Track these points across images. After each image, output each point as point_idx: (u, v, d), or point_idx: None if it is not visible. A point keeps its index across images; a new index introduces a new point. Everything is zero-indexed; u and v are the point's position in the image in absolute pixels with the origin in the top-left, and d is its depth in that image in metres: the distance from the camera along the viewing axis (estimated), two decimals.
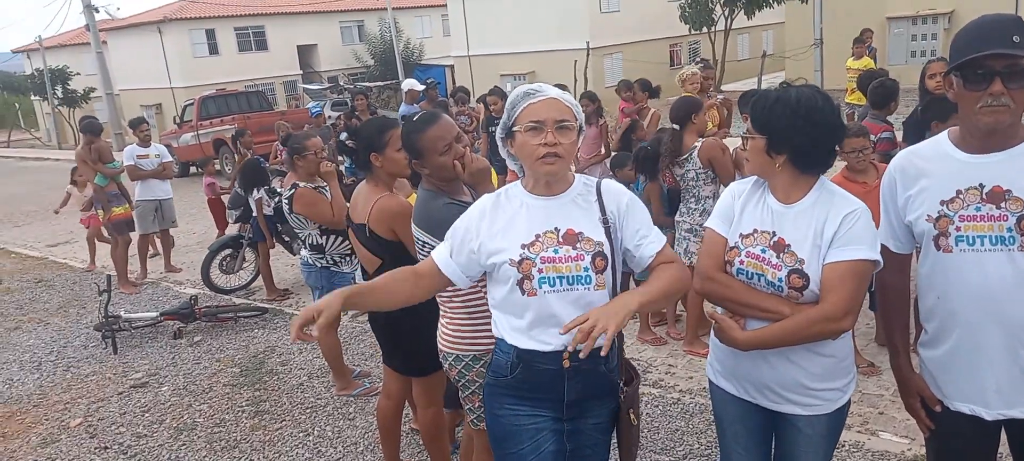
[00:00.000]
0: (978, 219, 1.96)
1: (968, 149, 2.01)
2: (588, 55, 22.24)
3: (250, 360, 5.60)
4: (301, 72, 36.34)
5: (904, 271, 2.24)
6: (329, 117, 20.08)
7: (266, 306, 6.86)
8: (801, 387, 2.15)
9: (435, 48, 36.06)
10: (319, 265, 4.62)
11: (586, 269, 2.06)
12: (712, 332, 2.31)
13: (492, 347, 2.53)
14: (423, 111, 2.96)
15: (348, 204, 3.80)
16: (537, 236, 2.08)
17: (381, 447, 3.71)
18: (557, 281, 2.04)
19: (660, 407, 4.23)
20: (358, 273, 5.16)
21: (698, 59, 12.01)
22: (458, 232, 2.18)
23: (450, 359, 2.67)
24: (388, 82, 27.44)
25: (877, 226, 2.23)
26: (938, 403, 2.15)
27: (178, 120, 19.07)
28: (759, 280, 2.11)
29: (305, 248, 4.70)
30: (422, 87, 10.82)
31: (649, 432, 3.96)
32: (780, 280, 2.07)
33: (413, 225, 2.70)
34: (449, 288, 2.58)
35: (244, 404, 4.83)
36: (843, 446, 3.63)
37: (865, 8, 19.38)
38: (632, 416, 2.27)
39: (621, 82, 8.85)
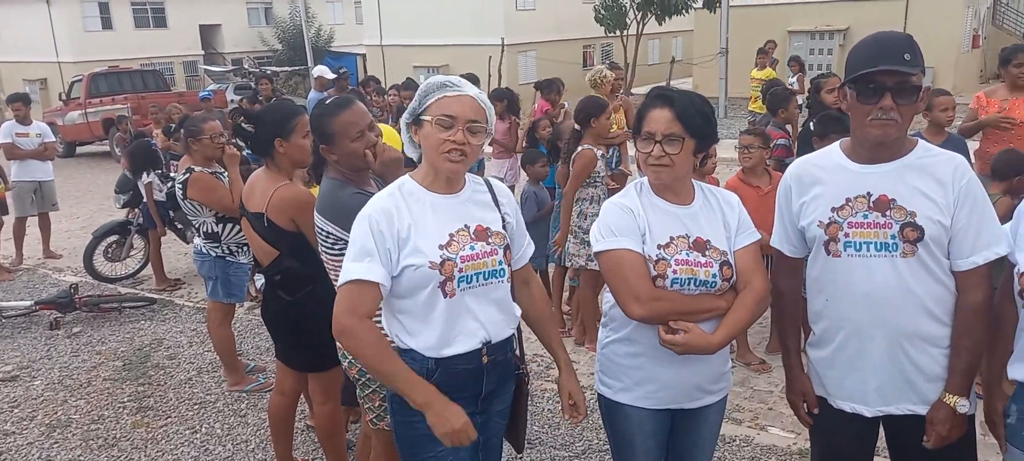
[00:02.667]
0: (865, 226, 2.04)
1: (858, 159, 2.08)
2: (503, 51, 22.22)
3: (134, 353, 5.27)
4: (203, 53, 34.72)
5: (797, 275, 2.31)
6: (231, 101, 19.26)
7: (154, 297, 6.49)
8: (721, 375, 2.27)
9: (347, 36, 35.15)
10: (214, 254, 4.39)
11: (500, 262, 2.09)
12: (603, 356, 2.30)
13: (396, 346, 2.45)
14: (335, 96, 2.85)
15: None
16: (451, 235, 2.03)
17: (273, 445, 3.55)
18: (475, 278, 2.03)
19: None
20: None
21: (608, 62, 12.19)
22: (371, 238, 1.99)
23: (351, 357, 2.57)
24: (296, 68, 26.58)
25: (770, 230, 2.30)
26: (816, 406, 2.26)
27: (65, 97, 17.87)
28: (689, 284, 2.10)
29: (199, 236, 4.46)
30: (333, 75, 10.52)
31: (549, 428, 3.97)
32: (714, 276, 2.10)
33: (317, 215, 2.58)
34: None
35: (126, 400, 4.54)
36: (735, 440, 3.75)
37: (769, 21, 20.29)
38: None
39: (544, 81, 8.83)
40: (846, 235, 2.06)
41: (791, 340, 2.35)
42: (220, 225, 4.36)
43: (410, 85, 8.87)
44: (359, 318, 1.97)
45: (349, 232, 2.38)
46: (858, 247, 2.05)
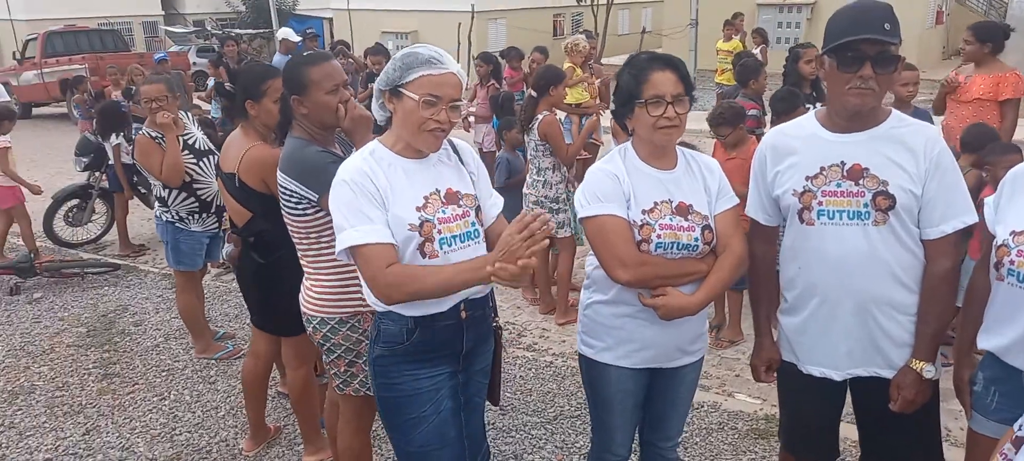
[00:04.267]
0: (838, 195, 2.07)
1: (833, 128, 2.11)
2: (473, 18, 21.95)
3: (98, 320, 5.17)
4: (163, 13, 33.69)
5: (771, 243, 2.35)
6: (194, 64, 18.74)
7: (118, 262, 6.37)
8: (698, 336, 2.33)
9: None
10: (165, 219, 4.30)
11: (473, 224, 2.13)
12: (586, 317, 2.32)
13: (360, 310, 2.45)
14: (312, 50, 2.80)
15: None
16: (426, 198, 2.06)
17: (246, 409, 3.53)
18: (453, 240, 2.06)
19: (533, 370, 4.29)
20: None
21: (583, 30, 12.13)
22: (358, 201, 1.97)
23: (314, 322, 2.55)
24: (260, 31, 25.96)
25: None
26: (775, 372, 2.36)
27: (19, 56, 17.27)
28: (672, 248, 2.13)
29: (156, 200, 4.37)
30: (298, 38, 10.31)
31: (522, 394, 4.00)
32: (696, 239, 2.14)
33: (279, 173, 2.54)
34: (314, 247, 2.48)
35: (91, 367, 4.46)
36: (702, 406, 3.82)
37: None
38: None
39: (510, 49, 8.81)
40: (820, 204, 2.09)
41: (763, 307, 2.38)
42: (167, 191, 4.25)
43: (380, 50, 8.74)
44: (389, 272, 1.95)
45: (311, 190, 2.39)
46: (831, 215, 2.08)
